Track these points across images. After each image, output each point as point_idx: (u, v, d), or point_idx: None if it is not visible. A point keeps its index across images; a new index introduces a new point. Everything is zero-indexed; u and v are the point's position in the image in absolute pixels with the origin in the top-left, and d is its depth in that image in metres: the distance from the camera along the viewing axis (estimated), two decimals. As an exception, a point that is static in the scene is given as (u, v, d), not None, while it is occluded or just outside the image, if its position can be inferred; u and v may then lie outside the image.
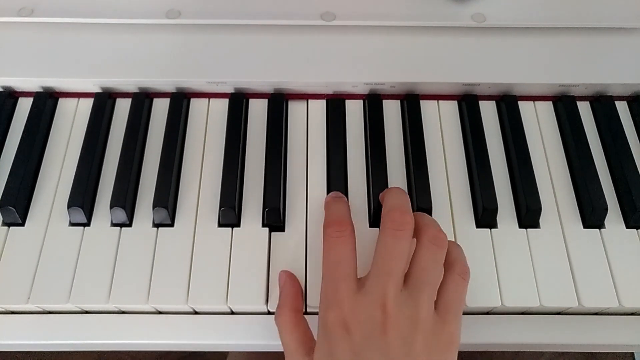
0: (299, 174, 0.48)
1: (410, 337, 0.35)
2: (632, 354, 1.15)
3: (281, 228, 0.45)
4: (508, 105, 0.51)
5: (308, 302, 0.42)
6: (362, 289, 0.37)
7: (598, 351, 0.44)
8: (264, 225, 0.45)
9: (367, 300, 0.36)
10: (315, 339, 0.38)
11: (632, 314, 0.44)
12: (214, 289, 0.42)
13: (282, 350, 0.43)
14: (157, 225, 0.45)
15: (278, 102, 0.50)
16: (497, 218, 0.46)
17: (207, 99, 0.52)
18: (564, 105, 0.51)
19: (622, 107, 0.52)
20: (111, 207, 0.44)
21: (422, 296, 0.36)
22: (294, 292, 0.41)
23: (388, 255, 0.37)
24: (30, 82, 0.50)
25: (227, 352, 0.68)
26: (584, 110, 0.52)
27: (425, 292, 0.37)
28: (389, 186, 0.46)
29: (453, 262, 0.40)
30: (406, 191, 0.47)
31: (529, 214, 0.45)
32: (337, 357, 0.35)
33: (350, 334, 0.35)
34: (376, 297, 0.36)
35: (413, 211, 0.41)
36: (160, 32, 0.52)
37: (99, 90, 0.51)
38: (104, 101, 0.50)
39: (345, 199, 0.45)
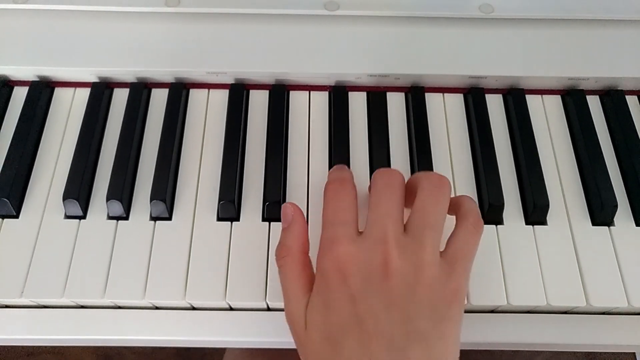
0: (301, 167, 0.47)
1: (413, 282, 0.32)
2: (634, 353, 1.14)
3: (282, 223, 0.44)
4: (515, 98, 0.50)
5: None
6: (361, 235, 0.35)
7: (601, 351, 0.43)
8: (264, 220, 0.44)
9: (366, 244, 0.33)
10: None
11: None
12: (212, 285, 0.41)
13: (281, 347, 0.42)
14: (154, 218, 0.44)
15: (279, 93, 0.49)
16: (503, 214, 0.45)
17: (206, 90, 0.50)
18: (573, 100, 0.50)
19: (632, 102, 0.51)
20: (107, 199, 0.43)
21: (425, 239, 0.34)
22: (304, 231, 0.38)
23: (382, 199, 0.35)
24: (25, 71, 0.49)
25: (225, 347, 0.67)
26: (594, 104, 0.50)
27: (429, 235, 0.34)
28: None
29: (466, 213, 0.37)
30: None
31: (536, 211, 0.44)
32: (334, 305, 0.33)
33: (347, 280, 0.32)
34: (376, 239, 0.33)
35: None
36: (160, 20, 0.50)
37: (96, 80, 0.50)
38: (101, 91, 0.49)
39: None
